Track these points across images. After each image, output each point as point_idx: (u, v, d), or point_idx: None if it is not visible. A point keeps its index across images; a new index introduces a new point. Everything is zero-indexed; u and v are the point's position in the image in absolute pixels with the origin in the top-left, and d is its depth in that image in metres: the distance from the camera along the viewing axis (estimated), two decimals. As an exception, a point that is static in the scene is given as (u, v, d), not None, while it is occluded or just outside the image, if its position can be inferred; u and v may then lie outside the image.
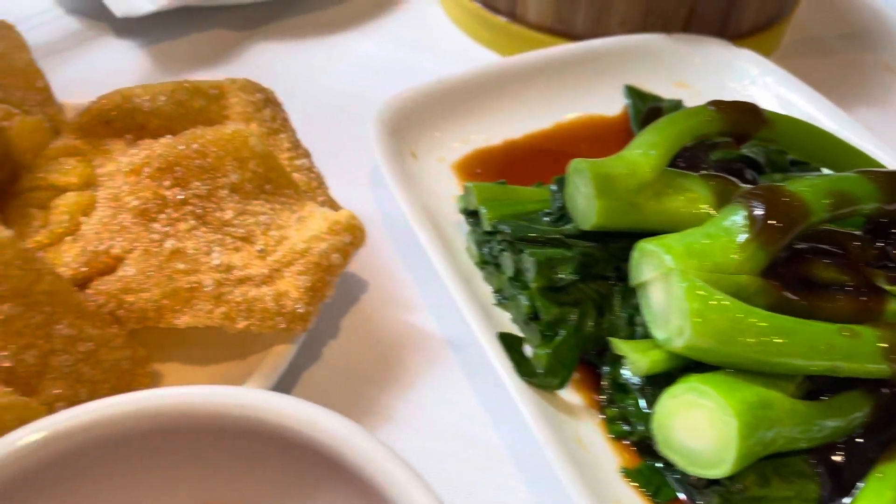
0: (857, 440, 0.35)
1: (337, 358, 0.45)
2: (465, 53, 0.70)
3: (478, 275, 0.45)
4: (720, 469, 0.32)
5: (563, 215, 0.41)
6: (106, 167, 0.44)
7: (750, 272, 0.35)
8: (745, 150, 0.46)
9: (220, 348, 0.41)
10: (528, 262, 0.39)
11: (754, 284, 0.35)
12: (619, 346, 0.37)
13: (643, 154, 0.39)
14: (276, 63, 0.68)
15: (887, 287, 0.36)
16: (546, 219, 0.42)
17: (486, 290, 0.45)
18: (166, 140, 0.42)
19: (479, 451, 0.40)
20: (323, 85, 0.65)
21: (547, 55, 0.60)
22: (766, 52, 0.70)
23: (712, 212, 0.38)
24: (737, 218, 0.35)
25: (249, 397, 0.30)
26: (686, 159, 0.43)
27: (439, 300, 0.48)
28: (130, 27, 0.69)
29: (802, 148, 0.43)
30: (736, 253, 0.34)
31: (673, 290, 0.34)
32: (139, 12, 0.64)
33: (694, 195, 0.39)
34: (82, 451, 0.28)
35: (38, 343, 0.36)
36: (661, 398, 0.35)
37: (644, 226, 0.39)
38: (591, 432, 0.38)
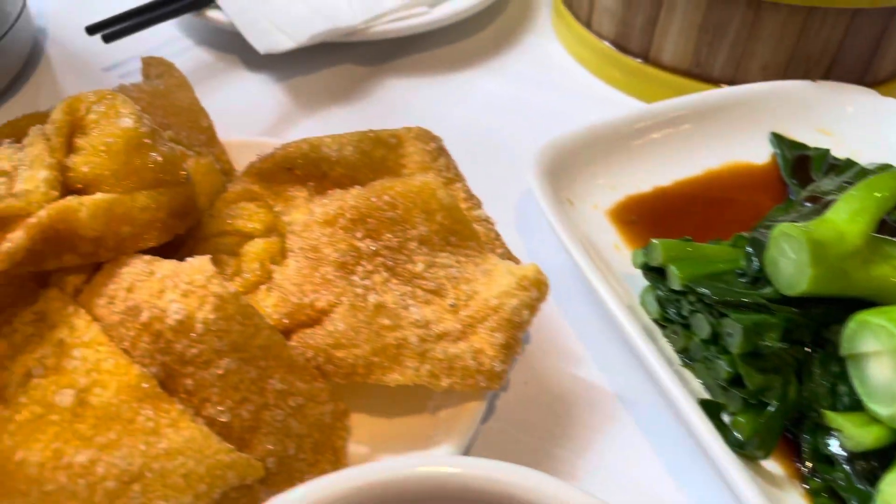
0: None
1: (511, 411, 0.45)
2: (591, 93, 0.70)
3: (655, 331, 0.45)
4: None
5: (758, 278, 0.41)
6: (291, 215, 0.44)
7: None
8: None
9: (405, 401, 0.41)
10: (734, 327, 0.38)
11: None
12: (835, 419, 0.36)
13: (850, 220, 0.39)
14: (404, 98, 0.69)
15: None
16: (742, 280, 0.41)
17: (664, 348, 0.44)
18: (357, 191, 0.42)
19: (670, 513, 0.40)
20: (454, 123, 0.66)
21: (692, 101, 0.59)
22: (898, 95, 0.69)
23: (924, 281, 0.38)
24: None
25: (502, 472, 0.29)
26: (887, 225, 0.42)
27: (605, 354, 0.48)
28: (262, 62, 0.70)
29: None
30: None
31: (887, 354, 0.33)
32: (281, 49, 0.65)
33: (903, 262, 0.39)
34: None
35: (253, 398, 0.36)
36: (886, 476, 0.34)
37: (851, 293, 0.38)
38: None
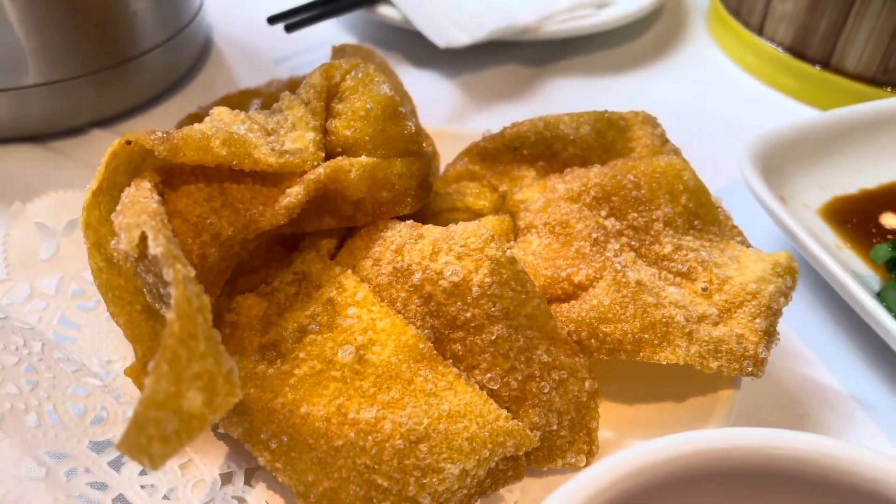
0: None
1: (747, 411, 0.43)
2: (762, 100, 0.68)
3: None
4: None
5: None
6: (522, 193, 0.44)
7: None
8: None
9: (649, 387, 0.40)
10: None
11: None
12: None
13: None
14: (570, 99, 0.68)
15: None
16: None
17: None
18: (599, 169, 0.42)
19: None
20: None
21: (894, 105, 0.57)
22: None
23: None
24: None
25: (841, 449, 0.28)
26: None
27: (834, 355, 0.45)
28: (428, 59, 0.71)
29: None
30: None
31: None
32: (458, 44, 0.65)
33: None
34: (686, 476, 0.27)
35: (521, 367, 0.35)
36: None
37: None
38: None
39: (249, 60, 0.71)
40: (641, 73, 0.72)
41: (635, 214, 0.40)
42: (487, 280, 0.34)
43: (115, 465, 0.35)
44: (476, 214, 0.44)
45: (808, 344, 0.46)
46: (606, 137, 0.45)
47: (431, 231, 0.36)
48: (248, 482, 0.35)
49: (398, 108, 0.39)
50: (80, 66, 0.56)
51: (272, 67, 0.70)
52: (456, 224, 0.36)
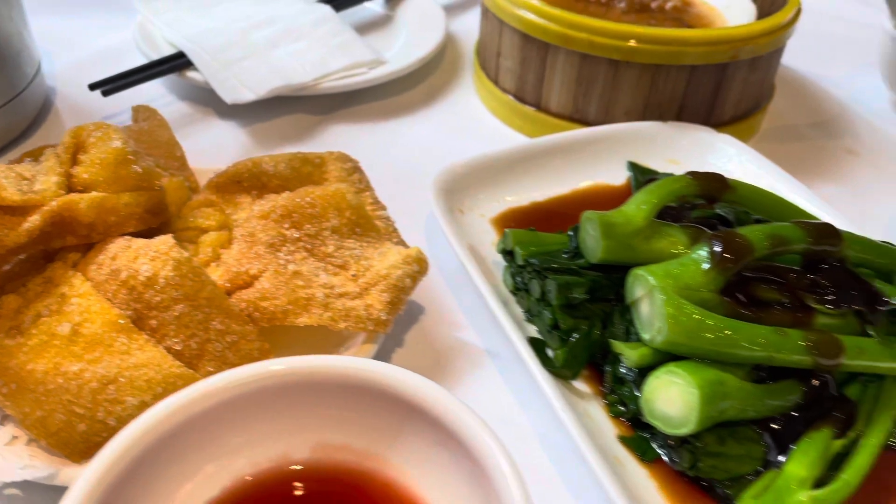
0: (792, 414, 0.48)
1: (402, 362, 0.59)
2: (498, 135, 0.86)
3: (511, 300, 0.59)
4: (687, 428, 0.45)
5: (577, 253, 0.56)
6: (238, 214, 0.59)
7: (711, 290, 0.48)
8: (719, 210, 0.60)
9: (321, 349, 0.55)
10: (551, 285, 0.53)
11: (715, 300, 0.48)
12: (617, 345, 0.50)
13: (637, 208, 0.54)
14: (346, 142, 0.85)
15: (815, 305, 0.50)
16: (565, 255, 0.56)
17: (518, 311, 0.59)
18: (287, 194, 0.58)
19: (511, 429, 0.53)
20: (388, 160, 0.81)
21: (565, 137, 0.75)
22: (746, 136, 0.86)
23: (687, 250, 0.52)
24: (702, 252, 0.49)
25: (362, 364, 0.43)
26: (672, 216, 0.58)
27: (480, 320, 0.62)
28: (230, 111, 0.86)
29: (757, 207, 0.57)
30: (701, 276, 0.48)
31: (655, 302, 0.47)
32: (244, 100, 0.81)
33: (674, 239, 0.54)
34: (238, 399, 0.42)
35: (199, 334, 0.50)
36: (647, 380, 0.48)
37: (637, 260, 0.53)
38: (597, 411, 0.51)
39: (82, 120, 0.86)
40: (410, 119, 0.89)
41: (309, 226, 0.56)
42: (171, 273, 0.49)
43: None
44: (203, 231, 0.59)
45: (467, 317, 0.62)
46: (302, 171, 0.61)
47: (137, 242, 0.51)
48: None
49: (127, 156, 0.55)
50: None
51: (100, 124, 0.85)
52: (181, 239, 0.52)
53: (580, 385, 0.53)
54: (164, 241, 0.51)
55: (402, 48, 0.96)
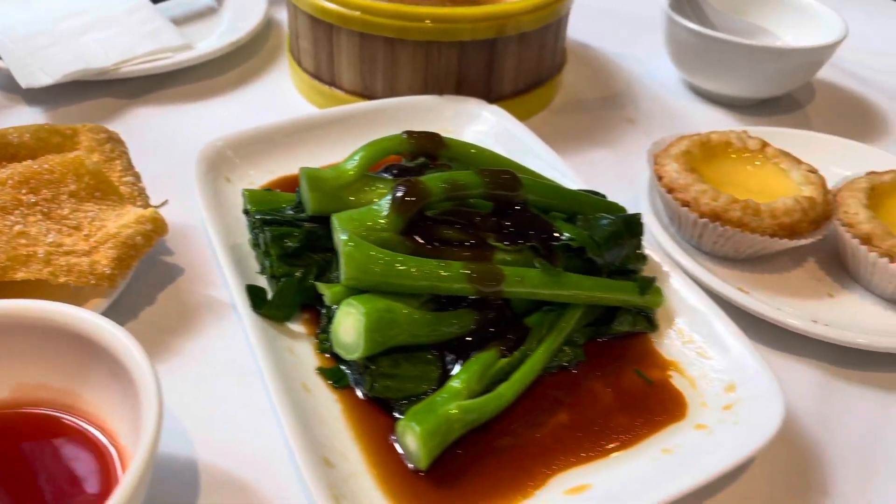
0: (466, 339, 0.53)
1: (150, 317, 0.62)
2: (302, 113, 0.90)
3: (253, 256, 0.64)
4: (358, 352, 0.50)
5: (302, 208, 0.60)
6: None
7: (392, 231, 0.53)
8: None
9: (58, 306, 0.58)
10: (268, 236, 0.57)
11: (395, 239, 0.53)
12: (319, 286, 0.55)
13: (348, 162, 0.59)
14: (152, 123, 0.88)
15: (494, 243, 0.55)
16: (290, 211, 0.60)
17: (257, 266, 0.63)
18: (27, 162, 0.61)
19: (236, 367, 0.57)
20: (184, 138, 0.84)
21: (342, 110, 0.80)
22: (536, 109, 0.92)
23: (383, 198, 0.57)
24: (387, 197, 0.54)
25: (53, 308, 0.47)
26: (400, 172, 0.62)
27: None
28: (39, 97, 0.89)
29: (470, 161, 0.63)
30: (381, 219, 0.53)
31: (338, 242, 0.52)
32: (39, 84, 0.84)
33: (383, 190, 0.58)
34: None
35: None
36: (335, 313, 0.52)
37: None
38: (305, 349, 0.56)
39: None
40: (221, 100, 0.93)
41: (46, 191, 0.59)
42: None
43: None
44: (-48, 201, 0.61)
45: (218, 273, 0.66)
46: (51, 142, 0.64)
47: None
48: None
49: None
50: None
51: None
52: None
53: (298, 327, 0.58)
54: None
55: (221, 36, 1.00)
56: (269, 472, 0.50)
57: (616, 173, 0.82)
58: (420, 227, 0.54)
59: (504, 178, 0.57)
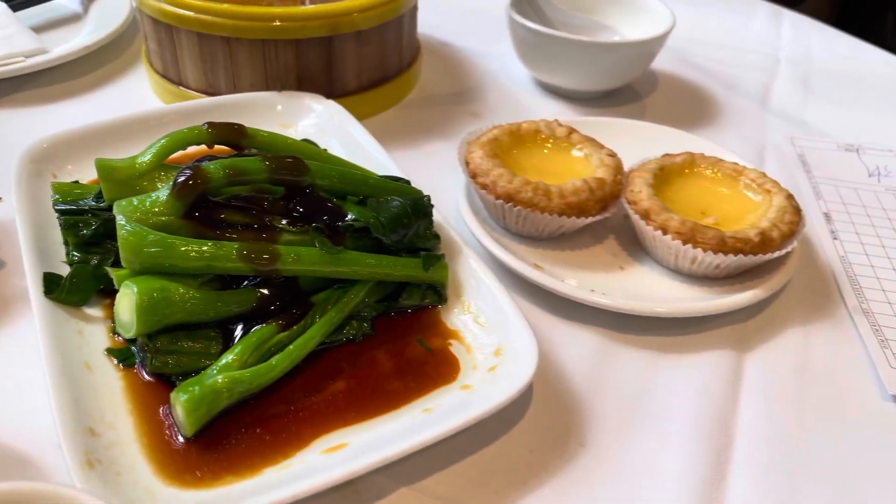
0: (247, 316, 0.56)
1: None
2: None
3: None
4: (134, 330, 0.53)
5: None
6: None
7: (172, 215, 0.56)
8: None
9: None
10: (63, 224, 0.60)
11: (177, 223, 0.56)
12: (109, 270, 0.57)
13: (144, 154, 0.61)
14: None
15: (279, 225, 0.59)
16: (93, 202, 0.63)
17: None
18: None
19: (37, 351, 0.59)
20: (29, 140, 0.85)
21: (182, 106, 0.82)
22: (387, 104, 0.96)
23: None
24: (169, 183, 0.57)
25: None
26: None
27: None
28: None
29: (272, 149, 0.66)
30: (161, 205, 0.56)
31: (117, 226, 0.55)
32: None
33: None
34: None
35: None
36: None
37: (143, 198, 0.60)
38: (98, 331, 0.58)
39: None
40: (75, 102, 0.95)
41: None
42: None
43: None
44: None
45: (41, 268, 0.68)
46: None
47: None
48: None
49: None
50: None
51: None
52: None
53: (97, 312, 0.60)
54: None
55: (80, 40, 1.01)
56: (46, 445, 0.52)
57: (450, 163, 0.86)
58: (203, 211, 0.57)
59: (287, 162, 0.60)
